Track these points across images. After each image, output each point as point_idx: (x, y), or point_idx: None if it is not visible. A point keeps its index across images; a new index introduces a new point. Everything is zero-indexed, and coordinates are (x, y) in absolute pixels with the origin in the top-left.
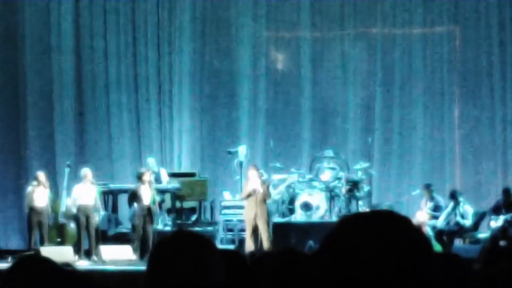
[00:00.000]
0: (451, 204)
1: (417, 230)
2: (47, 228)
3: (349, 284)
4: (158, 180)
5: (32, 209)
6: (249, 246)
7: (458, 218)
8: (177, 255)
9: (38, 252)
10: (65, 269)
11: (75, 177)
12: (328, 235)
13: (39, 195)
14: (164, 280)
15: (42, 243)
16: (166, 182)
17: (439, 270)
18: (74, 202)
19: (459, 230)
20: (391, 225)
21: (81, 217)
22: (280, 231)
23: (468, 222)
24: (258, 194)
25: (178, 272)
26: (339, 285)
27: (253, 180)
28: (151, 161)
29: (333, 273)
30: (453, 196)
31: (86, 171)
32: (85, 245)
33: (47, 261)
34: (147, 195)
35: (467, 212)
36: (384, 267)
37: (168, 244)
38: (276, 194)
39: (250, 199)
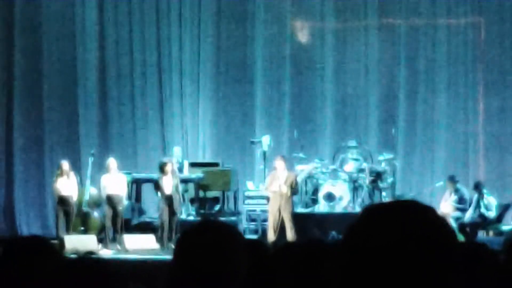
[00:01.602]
0: (475, 196)
1: (442, 219)
2: (73, 217)
3: (372, 274)
4: (180, 170)
5: (59, 199)
6: (271, 237)
7: (483, 210)
8: (204, 244)
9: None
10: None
11: (99, 166)
12: (350, 225)
13: (63, 184)
14: (190, 269)
15: (68, 231)
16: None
17: (466, 259)
18: (103, 191)
19: (483, 222)
20: (416, 215)
21: (107, 206)
22: (303, 221)
23: (492, 214)
24: (283, 191)
25: (205, 260)
26: (362, 275)
27: (280, 172)
28: (177, 150)
29: (355, 264)
30: (477, 187)
31: (111, 161)
32: (110, 235)
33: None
34: (168, 185)
35: (491, 203)
36: (408, 257)
37: (195, 233)
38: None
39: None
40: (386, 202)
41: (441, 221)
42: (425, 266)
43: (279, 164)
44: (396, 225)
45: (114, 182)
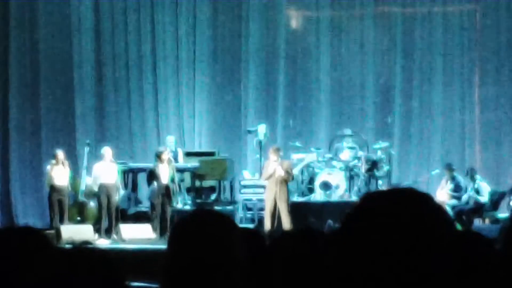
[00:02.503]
0: (471, 183)
1: (440, 207)
2: (67, 207)
3: (370, 264)
4: (175, 159)
5: (52, 188)
6: (268, 226)
7: (472, 194)
8: (197, 234)
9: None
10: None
11: (95, 156)
12: (349, 213)
13: (58, 173)
14: (184, 259)
15: (62, 221)
16: (182, 162)
17: (463, 248)
18: (95, 180)
19: (477, 209)
20: (414, 203)
21: (102, 195)
22: (299, 210)
23: (483, 198)
24: (279, 177)
25: (198, 250)
26: (360, 265)
27: (274, 163)
28: (170, 139)
29: (354, 252)
30: (469, 173)
31: (106, 150)
32: (105, 224)
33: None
34: (165, 174)
35: (482, 188)
36: (408, 246)
37: (188, 222)
38: (295, 172)
39: (271, 179)
40: (384, 189)
41: (439, 209)
42: (422, 253)
43: (272, 157)
44: (394, 212)
45: (107, 171)
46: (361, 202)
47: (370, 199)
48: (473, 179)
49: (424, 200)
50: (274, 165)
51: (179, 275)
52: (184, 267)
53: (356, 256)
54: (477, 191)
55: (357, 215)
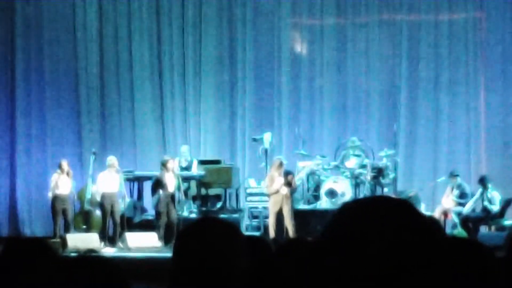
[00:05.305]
0: (480, 190)
1: (417, 214)
2: (72, 215)
3: (350, 272)
4: (189, 168)
5: (56, 197)
6: (272, 234)
7: (486, 203)
8: (202, 242)
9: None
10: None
11: (100, 165)
12: (329, 222)
13: (62, 182)
14: (189, 267)
15: (67, 230)
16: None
17: (457, 254)
18: (98, 189)
19: (485, 217)
20: (392, 210)
21: (106, 204)
22: (305, 218)
23: (495, 207)
24: (283, 193)
25: (203, 258)
26: (340, 272)
27: (279, 179)
28: (184, 148)
29: (334, 259)
30: (482, 181)
31: (112, 159)
32: (110, 233)
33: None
34: (171, 182)
35: (494, 198)
36: (388, 253)
37: (193, 230)
38: (297, 180)
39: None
40: (361, 198)
41: (417, 215)
42: (403, 260)
43: (276, 172)
44: (372, 220)
45: (110, 180)
46: (340, 211)
47: (349, 208)
48: (485, 187)
49: (402, 207)
50: (279, 181)
51: (183, 282)
52: (188, 274)
53: (337, 264)
54: (489, 200)
55: (336, 225)
